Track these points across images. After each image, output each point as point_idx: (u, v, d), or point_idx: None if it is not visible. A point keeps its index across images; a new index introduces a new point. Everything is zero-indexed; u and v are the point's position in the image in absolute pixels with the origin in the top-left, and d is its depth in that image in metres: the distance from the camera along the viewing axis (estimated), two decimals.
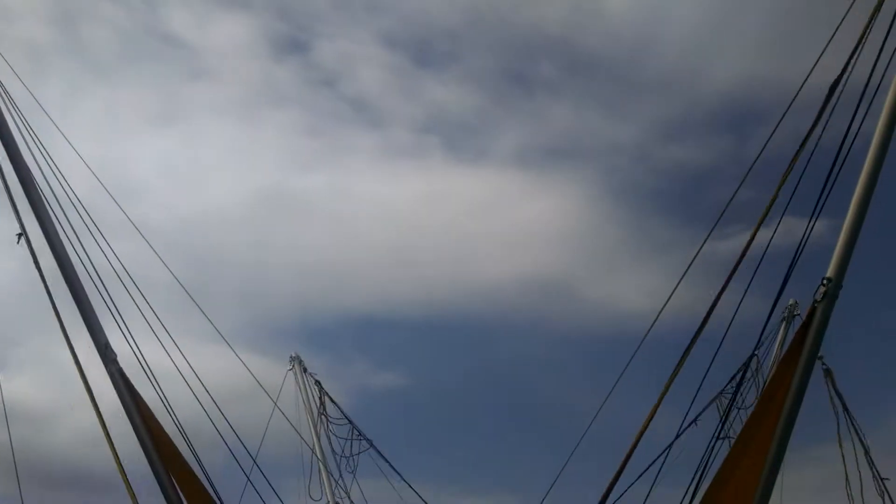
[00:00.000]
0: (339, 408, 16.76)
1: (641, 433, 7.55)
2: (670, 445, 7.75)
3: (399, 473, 15.11)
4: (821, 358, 14.50)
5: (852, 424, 14.77)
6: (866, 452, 14.59)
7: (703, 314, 7.40)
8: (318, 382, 17.12)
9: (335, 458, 16.14)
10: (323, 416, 16.63)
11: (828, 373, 14.87)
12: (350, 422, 16.46)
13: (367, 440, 16.03)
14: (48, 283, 7.82)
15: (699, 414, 10.34)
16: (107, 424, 7.60)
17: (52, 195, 8.22)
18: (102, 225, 8.45)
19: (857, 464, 14.55)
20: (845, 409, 14.87)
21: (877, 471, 14.62)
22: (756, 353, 8.50)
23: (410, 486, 14.73)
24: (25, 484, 9.18)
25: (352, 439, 16.10)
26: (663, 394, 7.46)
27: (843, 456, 14.49)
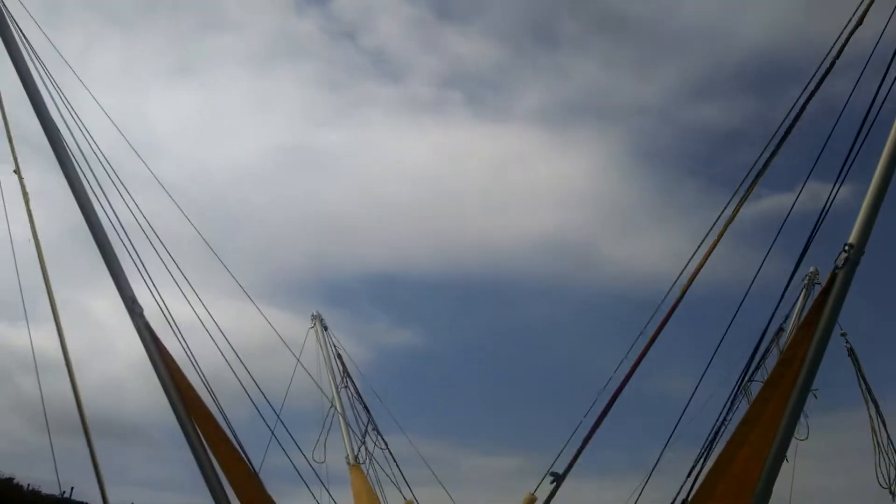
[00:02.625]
0: (362, 400, 16.45)
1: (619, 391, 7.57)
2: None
3: (408, 484, 15.10)
4: (844, 335, 14.41)
5: (874, 404, 14.70)
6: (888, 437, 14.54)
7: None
8: (339, 356, 16.93)
9: (357, 420, 16.21)
10: (348, 389, 16.51)
11: (851, 351, 14.70)
12: (369, 413, 16.24)
13: (384, 441, 15.79)
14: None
15: (723, 414, 10.36)
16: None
17: (77, 149, 8.30)
18: (123, 180, 8.53)
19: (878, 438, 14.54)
20: (869, 390, 14.75)
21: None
22: (782, 326, 8.45)
23: (414, 498, 14.80)
24: (55, 432, 9.41)
25: (364, 434, 15.92)
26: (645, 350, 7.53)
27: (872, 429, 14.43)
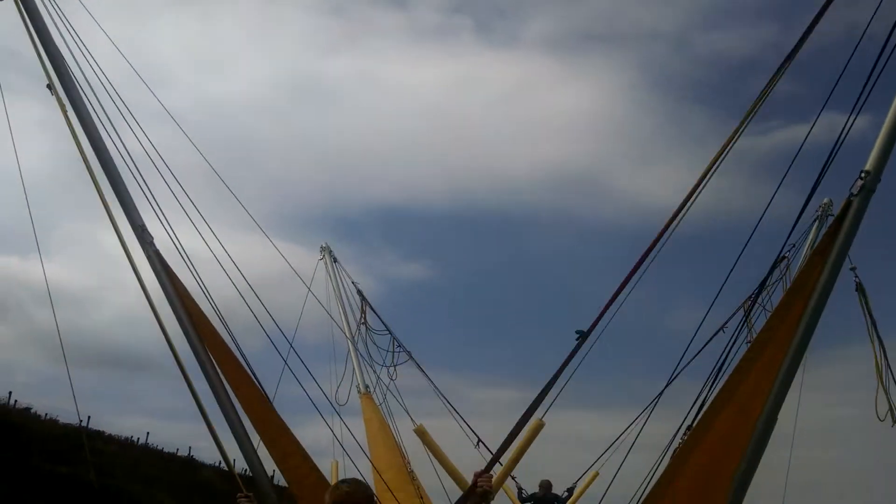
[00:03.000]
0: (380, 318, 16.67)
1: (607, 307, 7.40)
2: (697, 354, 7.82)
3: (436, 387, 15.33)
4: (854, 269, 14.40)
5: (879, 340, 14.85)
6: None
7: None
8: (359, 292, 16.93)
9: (368, 352, 16.40)
10: (363, 325, 16.57)
11: (860, 286, 14.71)
12: (390, 332, 16.42)
13: (407, 351, 16.08)
14: (83, 163, 7.87)
15: (726, 321, 10.43)
16: (142, 308, 7.79)
17: (84, 80, 8.22)
18: (123, 106, 8.38)
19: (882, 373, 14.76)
20: (875, 327, 14.84)
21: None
22: (787, 255, 8.42)
23: (447, 401, 15.04)
24: (72, 365, 9.55)
25: (393, 350, 16.09)
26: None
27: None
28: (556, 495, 17.13)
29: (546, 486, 17.17)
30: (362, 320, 16.64)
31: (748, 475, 6.37)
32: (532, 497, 17.05)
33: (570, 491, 16.38)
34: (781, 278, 12.69)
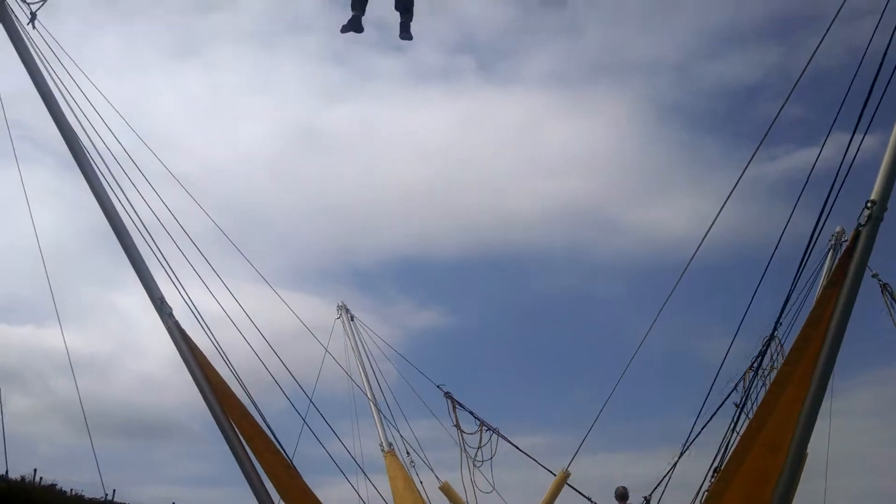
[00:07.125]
0: (466, 409, 16.51)
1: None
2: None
3: (527, 453, 15.39)
4: (876, 276, 14.17)
5: None
6: None
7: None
8: (448, 394, 16.58)
9: (386, 403, 16.27)
10: (457, 428, 16.34)
11: (885, 287, 14.43)
12: (478, 418, 16.31)
13: (493, 429, 16.04)
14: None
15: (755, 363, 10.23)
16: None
17: (92, 148, 8.18)
18: (134, 173, 8.37)
19: None
20: None
21: None
22: (793, 286, 8.32)
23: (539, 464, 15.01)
24: (94, 433, 9.55)
25: (481, 432, 16.01)
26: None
27: None
28: None
29: (621, 494, 16.26)
30: (455, 422, 16.38)
31: None
32: None
33: (647, 500, 15.95)
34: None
